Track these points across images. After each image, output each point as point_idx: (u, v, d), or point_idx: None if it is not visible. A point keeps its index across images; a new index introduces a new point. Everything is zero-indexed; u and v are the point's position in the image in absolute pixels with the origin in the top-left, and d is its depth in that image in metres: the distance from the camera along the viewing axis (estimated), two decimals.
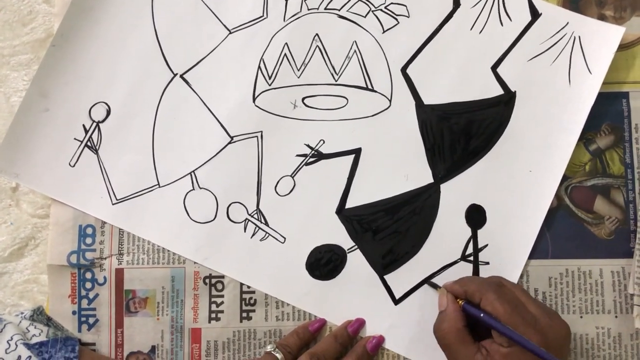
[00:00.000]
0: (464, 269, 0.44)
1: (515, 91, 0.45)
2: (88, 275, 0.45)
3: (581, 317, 0.45)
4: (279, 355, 0.42)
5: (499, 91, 0.45)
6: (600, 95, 0.45)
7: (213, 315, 0.45)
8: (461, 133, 0.45)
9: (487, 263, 0.44)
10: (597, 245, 0.45)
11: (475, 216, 0.45)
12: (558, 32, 0.45)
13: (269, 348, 0.42)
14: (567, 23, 0.45)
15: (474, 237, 0.45)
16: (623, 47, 0.46)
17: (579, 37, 0.45)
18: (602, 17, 0.46)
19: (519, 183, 0.45)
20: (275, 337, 0.45)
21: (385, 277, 0.45)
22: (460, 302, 0.41)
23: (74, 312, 0.45)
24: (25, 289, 0.47)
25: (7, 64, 0.48)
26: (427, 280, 0.44)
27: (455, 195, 0.45)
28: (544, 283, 0.45)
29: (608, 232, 0.45)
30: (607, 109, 0.46)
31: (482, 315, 0.38)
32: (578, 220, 0.45)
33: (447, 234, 0.45)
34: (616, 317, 0.45)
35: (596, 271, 0.45)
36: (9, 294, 0.47)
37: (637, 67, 0.46)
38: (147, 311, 0.45)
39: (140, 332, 0.45)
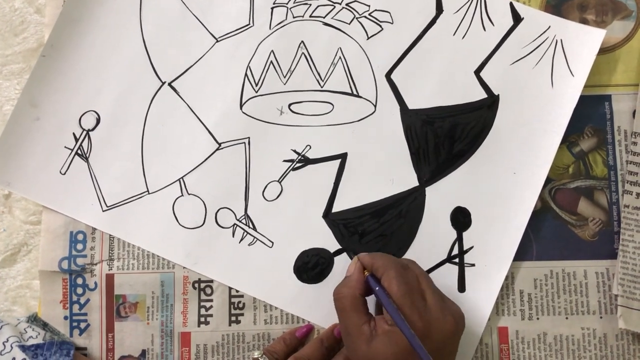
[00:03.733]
0: (450, 271, 0.45)
1: (498, 94, 0.46)
2: (79, 280, 0.46)
3: (567, 318, 0.45)
4: None
5: (483, 95, 0.46)
6: (583, 98, 0.46)
7: (202, 319, 0.46)
8: (445, 137, 0.46)
9: (473, 265, 0.45)
10: (581, 247, 0.46)
11: (461, 218, 0.45)
12: (540, 35, 0.46)
13: (256, 355, 0.42)
14: (549, 27, 0.46)
15: (459, 239, 0.45)
16: (605, 50, 0.47)
17: (561, 40, 0.46)
18: (584, 21, 0.47)
19: (503, 185, 0.45)
20: (264, 340, 0.45)
21: None
22: (366, 273, 0.41)
23: (65, 317, 0.46)
24: (18, 294, 0.47)
25: (0, 73, 0.49)
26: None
27: (441, 198, 0.45)
28: (529, 285, 0.45)
29: (592, 234, 0.46)
30: (590, 111, 0.47)
31: (377, 288, 0.39)
32: (562, 222, 0.46)
33: (433, 236, 0.45)
34: (601, 317, 0.45)
35: (580, 272, 0.46)
36: (2, 300, 0.47)
37: (619, 70, 0.47)
38: (137, 316, 0.46)
39: (131, 337, 0.46)
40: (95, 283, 0.46)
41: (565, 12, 0.47)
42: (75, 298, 0.46)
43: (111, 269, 0.46)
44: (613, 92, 0.47)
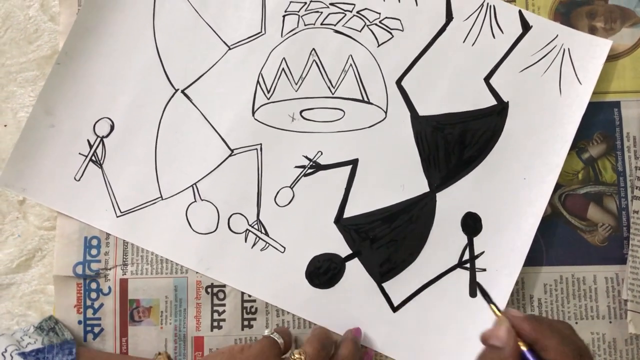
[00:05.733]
0: (461, 276, 0.45)
1: (507, 101, 0.46)
2: (93, 285, 0.47)
3: (576, 323, 0.46)
4: (279, 340, 0.41)
5: (492, 102, 0.46)
6: (592, 105, 0.46)
7: (215, 324, 0.46)
8: (456, 143, 0.46)
9: (484, 270, 0.45)
10: (590, 252, 0.46)
11: (471, 224, 0.46)
12: (548, 44, 0.46)
13: (266, 332, 0.42)
14: (557, 35, 0.46)
15: (470, 244, 0.46)
16: (614, 57, 0.48)
17: (568, 49, 0.46)
18: (593, 29, 0.48)
19: (513, 191, 0.46)
20: None
21: (384, 284, 0.46)
22: (522, 345, 0.35)
23: (79, 322, 0.46)
24: (32, 299, 0.48)
25: (14, 80, 0.49)
26: (479, 286, 0.44)
27: (451, 203, 0.46)
28: (539, 290, 0.46)
29: (601, 239, 0.46)
30: (599, 118, 0.47)
31: None
32: (572, 228, 0.46)
33: (444, 241, 0.46)
34: (610, 322, 0.46)
35: (590, 278, 0.46)
36: (17, 304, 0.48)
37: (628, 77, 0.47)
38: (150, 320, 0.46)
39: (145, 341, 0.46)
40: (109, 288, 0.47)
41: (574, 19, 0.48)
42: (89, 303, 0.46)
43: (125, 274, 0.46)
44: (622, 99, 0.47)
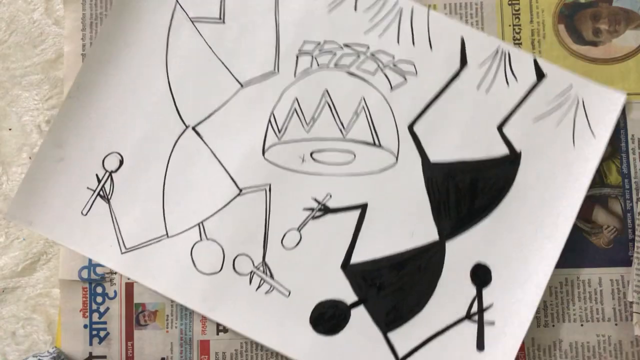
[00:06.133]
0: (468, 328, 0.44)
1: (520, 151, 0.46)
2: (99, 289, 0.47)
3: (582, 325, 0.45)
4: None
5: (505, 150, 0.46)
6: None
7: (221, 327, 0.46)
8: (467, 191, 0.46)
9: (492, 323, 0.44)
10: (596, 254, 0.46)
11: (480, 275, 0.45)
12: (562, 94, 0.46)
13: None
14: (571, 85, 0.46)
15: (479, 296, 0.45)
16: (618, 59, 0.47)
17: (583, 100, 0.46)
18: (596, 31, 0.47)
19: (524, 242, 0.45)
20: None
21: (389, 334, 0.45)
22: None
23: (85, 326, 0.47)
24: (37, 302, 0.48)
25: (19, 84, 0.50)
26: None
27: (461, 253, 0.45)
28: (544, 292, 0.45)
29: (607, 241, 0.46)
30: None
31: None
32: (577, 230, 0.46)
33: (452, 292, 0.45)
34: (616, 324, 0.45)
35: (595, 280, 0.46)
36: (22, 308, 0.48)
37: (632, 79, 0.47)
38: (156, 324, 0.46)
39: (150, 345, 0.46)
40: (115, 292, 0.47)
41: (577, 22, 0.47)
42: (94, 307, 0.47)
43: (130, 278, 0.46)
44: (627, 101, 0.47)
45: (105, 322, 0.47)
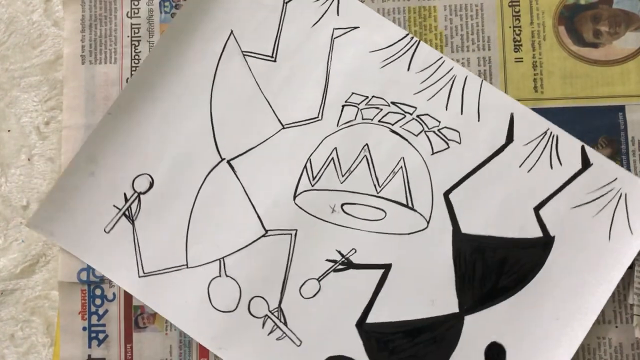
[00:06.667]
0: None
1: (554, 236, 0.45)
2: (98, 292, 0.46)
3: None
4: None
5: (538, 233, 0.45)
6: (597, 109, 0.46)
7: None
8: (494, 268, 0.45)
9: None
10: None
11: (495, 355, 0.44)
12: (606, 185, 0.45)
13: None
14: (616, 179, 0.45)
15: None
16: (618, 61, 0.47)
17: (626, 194, 0.45)
18: (597, 33, 0.47)
19: (544, 329, 0.44)
20: None
21: None
22: None
23: (84, 328, 0.46)
24: (36, 304, 0.48)
25: (18, 85, 0.49)
26: None
27: (478, 329, 0.44)
28: None
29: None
30: (604, 122, 0.46)
31: None
32: None
33: None
34: (617, 327, 0.45)
35: None
36: (20, 310, 0.48)
37: (632, 81, 0.47)
38: (155, 326, 0.46)
39: (149, 347, 0.46)
40: (114, 294, 0.46)
41: (578, 24, 0.47)
42: (93, 309, 0.46)
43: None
44: (627, 103, 0.46)
45: (104, 325, 0.47)
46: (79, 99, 0.48)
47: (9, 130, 0.49)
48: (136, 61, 0.48)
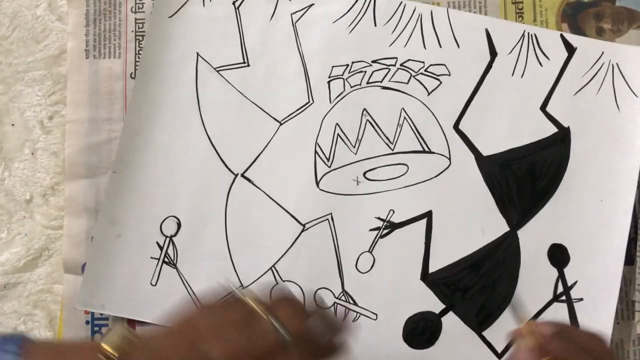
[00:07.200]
0: (560, 309, 0.44)
1: (568, 126, 0.46)
2: None
3: None
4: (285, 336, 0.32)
5: (553, 129, 0.46)
6: None
7: None
8: (526, 177, 0.46)
9: (581, 299, 0.45)
10: None
11: (558, 255, 0.45)
12: (596, 62, 0.46)
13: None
14: (602, 53, 0.46)
15: (562, 276, 0.45)
16: None
17: (617, 63, 0.46)
18: (600, 30, 0.48)
19: (593, 214, 0.45)
20: None
21: (484, 333, 0.45)
22: None
23: (87, 322, 0.46)
24: (39, 298, 0.48)
25: (22, 79, 0.49)
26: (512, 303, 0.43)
27: (534, 239, 0.45)
28: None
29: None
30: None
31: None
32: None
33: (535, 278, 0.45)
34: (618, 323, 0.46)
35: None
36: (23, 304, 0.48)
37: None
38: None
39: None
40: None
41: (581, 21, 0.48)
42: None
43: None
44: None
45: (107, 318, 0.46)
46: (82, 93, 0.48)
47: (12, 125, 0.49)
48: (140, 56, 0.48)
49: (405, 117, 0.47)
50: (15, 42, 0.49)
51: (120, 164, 0.46)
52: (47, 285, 0.48)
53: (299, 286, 0.45)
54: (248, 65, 0.47)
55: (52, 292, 0.48)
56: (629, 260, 0.46)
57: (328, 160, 0.47)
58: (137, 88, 0.47)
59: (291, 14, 0.48)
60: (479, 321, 0.45)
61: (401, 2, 0.47)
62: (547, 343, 0.33)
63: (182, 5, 0.47)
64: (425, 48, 0.47)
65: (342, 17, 0.47)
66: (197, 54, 0.47)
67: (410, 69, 0.47)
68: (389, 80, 0.47)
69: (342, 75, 0.47)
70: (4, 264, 0.48)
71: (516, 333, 0.35)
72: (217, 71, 0.47)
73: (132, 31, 0.48)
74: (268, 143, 0.47)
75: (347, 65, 0.47)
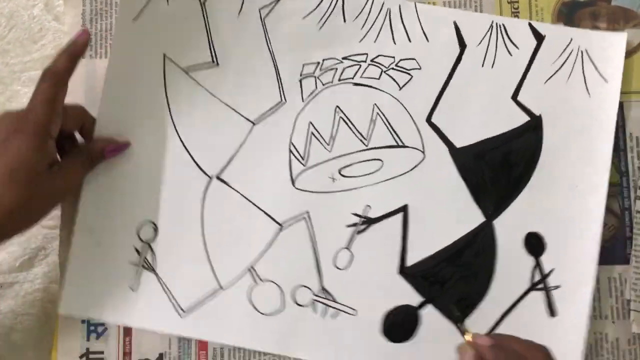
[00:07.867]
0: (537, 298, 0.45)
1: (540, 115, 0.46)
2: None
3: None
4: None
5: (525, 118, 0.46)
6: None
7: None
8: (500, 167, 0.46)
9: (558, 286, 0.45)
10: None
11: (534, 244, 0.45)
12: (565, 49, 0.46)
13: None
14: (571, 39, 0.46)
15: (538, 264, 0.45)
16: None
17: (586, 50, 0.46)
18: (596, 29, 0.48)
19: (568, 201, 0.45)
20: None
21: (464, 323, 0.45)
22: None
23: (83, 321, 0.46)
24: (35, 298, 0.48)
25: (18, 79, 0.49)
26: (450, 308, 0.44)
27: (510, 228, 0.45)
28: None
29: (605, 239, 0.46)
30: None
31: None
32: None
33: (512, 267, 0.45)
34: (614, 322, 0.46)
35: None
36: (20, 303, 0.48)
37: (629, 78, 0.47)
38: None
39: (148, 341, 0.46)
40: None
41: (577, 20, 0.48)
42: None
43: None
44: (624, 100, 0.47)
45: None
46: (78, 92, 0.48)
47: None
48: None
49: (378, 113, 0.47)
50: (12, 42, 0.49)
51: (91, 173, 0.46)
52: (44, 284, 0.48)
53: (278, 286, 0.46)
54: (217, 65, 0.47)
55: (48, 291, 0.48)
56: (624, 259, 0.46)
57: (303, 159, 0.47)
58: (106, 93, 0.47)
59: (259, 9, 0.48)
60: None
61: None
62: (485, 353, 0.37)
63: (146, 5, 0.47)
64: (395, 43, 0.47)
65: (311, 12, 0.47)
66: (164, 55, 0.47)
67: (381, 65, 0.47)
68: (361, 77, 0.47)
69: (314, 73, 0.47)
70: (0, 263, 0.48)
71: (461, 348, 0.38)
72: (186, 72, 0.47)
73: None
74: (242, 144, 0.47)
75: (319, 62, 0.47)
